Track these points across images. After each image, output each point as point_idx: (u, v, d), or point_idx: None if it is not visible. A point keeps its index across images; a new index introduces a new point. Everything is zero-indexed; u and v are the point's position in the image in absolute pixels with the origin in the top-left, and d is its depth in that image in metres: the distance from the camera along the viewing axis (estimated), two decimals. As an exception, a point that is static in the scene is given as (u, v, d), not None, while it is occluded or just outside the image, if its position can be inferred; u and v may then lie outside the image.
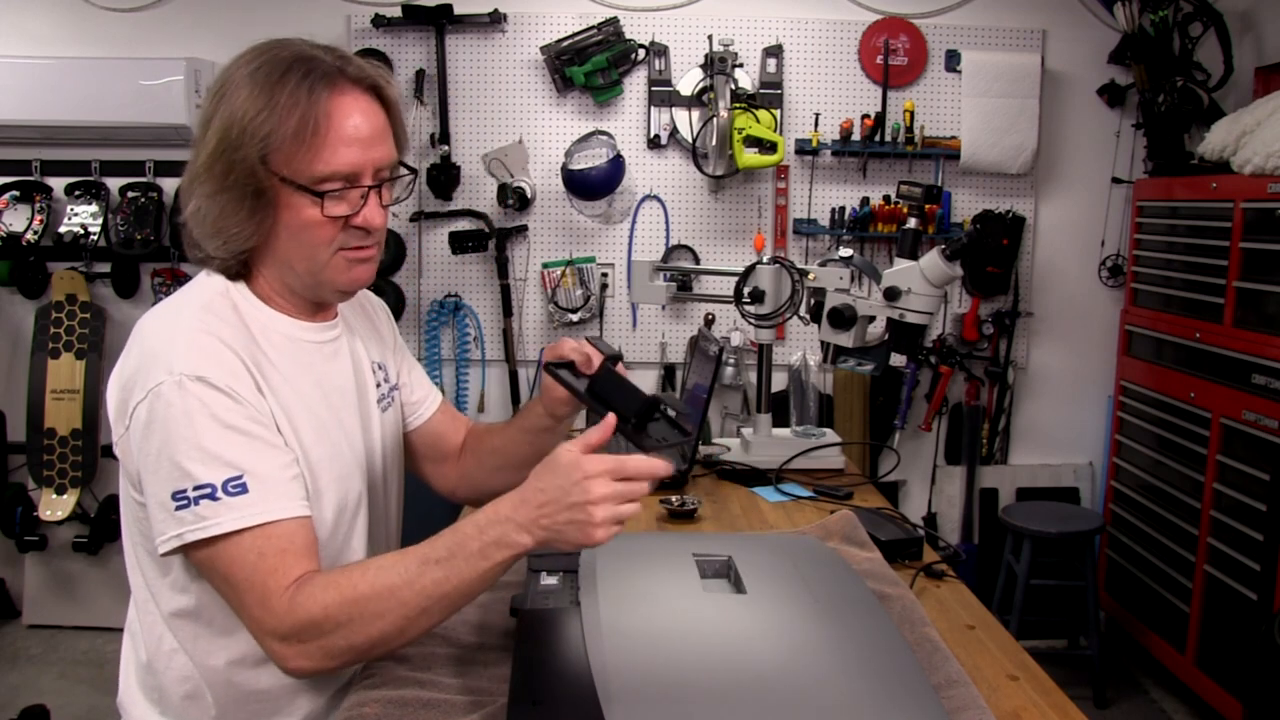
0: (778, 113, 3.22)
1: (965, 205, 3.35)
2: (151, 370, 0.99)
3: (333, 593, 0.98)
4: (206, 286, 1.10)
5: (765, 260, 2.11)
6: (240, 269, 1.10)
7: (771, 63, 3.26)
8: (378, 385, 1.26)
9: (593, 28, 3.22)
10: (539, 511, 0.98)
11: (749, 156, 3.08)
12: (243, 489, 0.97)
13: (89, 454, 3.24)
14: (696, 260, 3.35)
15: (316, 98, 1.03)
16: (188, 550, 0.99)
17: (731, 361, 3.33)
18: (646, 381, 3.44)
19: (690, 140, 3.23)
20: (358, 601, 0.97)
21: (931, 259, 1.94)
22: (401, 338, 1.37)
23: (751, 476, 2.07)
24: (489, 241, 3.29)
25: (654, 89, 3.27)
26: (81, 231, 3.24)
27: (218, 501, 0.96)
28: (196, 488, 0.96)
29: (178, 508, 0.97)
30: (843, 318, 2.01)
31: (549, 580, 1.23)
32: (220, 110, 1.04)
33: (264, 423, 1.03)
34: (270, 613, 0.97)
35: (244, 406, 1.01)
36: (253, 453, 1.00)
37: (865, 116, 3.26)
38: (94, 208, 3.27)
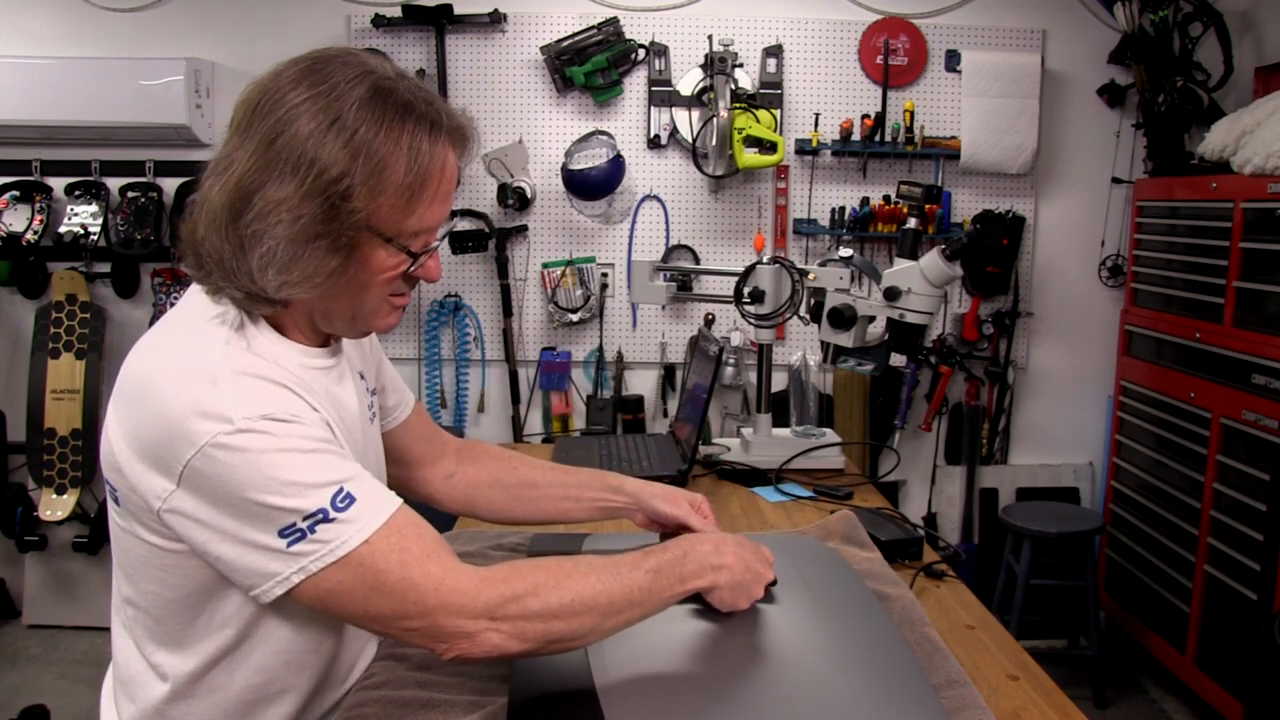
0: (778, 113, 3.22)
1: (965, 205, 3.35)
2: (200, 424, 0.90)
3: (542, 574, 0.98)
4: (218, 320, 1.00)
5: (765, 260, 2.11)
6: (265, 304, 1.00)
7: (771, 63, 3.26)
8: (368, 393, 1.23)
9: (593, 28, 3.22)
10: (733, 556, 1.11)
11: (749, 156, 3.08)
12: (350, 499, 0.93)
13: (89, 454, 3.24)
14: (696, 260, 3.35)
15: (430, 151, 0.97)
16: (305, 586, 0.93)
17: (731, 361, 3.33)
18: (647, 382, 3.44)
19: (690, 140, 3.23)
20: (568, 587, 0.97)
21: (931, 259, 1.94)
22: (377, 338, 1.30)
23: (751, 476, 2.07)
24: (489, 241, 3.29)
25: (654, 89, 3.27)
26: (81, 231, 3.24)
27: (333, 521, 0.92)
28: (306, 516, 0.91)
29: (291, 543, 0.91)
30: (843, 318, 2.01)
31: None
32: (319, 135, 0.92)
33: (332, 439, 1.00)
34: (456, 593, 0.94)
35: (312, 428, 0.97)
36: (342, 464, 0.96)
37: (865, 116, 3.26)
38: (94, 208, 3.27)
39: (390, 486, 1.03)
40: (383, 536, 0.94)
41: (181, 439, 0.91)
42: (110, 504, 1.03)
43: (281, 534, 0.91)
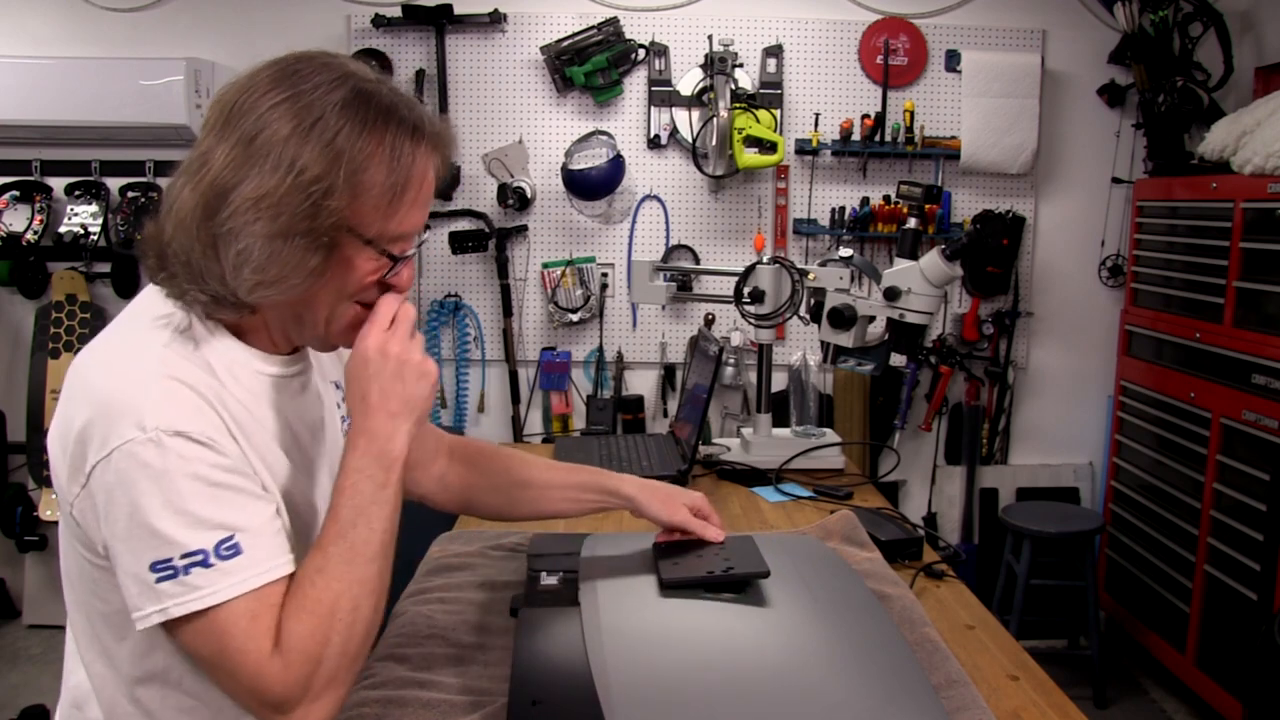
0: (778, 113, 3.22)
1: (965, 205, 3.35)
2: (115, 425, 0.86)
3: (306, 620, 0.90)
4: (163, 321, 0.96)
5: (765, 260, 2.11)
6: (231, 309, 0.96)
7: (771, 63, 3.26)
8: (338, 405, 1.16)
9: (593, 28, 3.22)
10: (384, 404, 0.98)
11: (749, 156, 3.08)
12: (236, 550, 0.87)
13: (89, 454, 3.24)
14: (696, 260, 3.35)
15: (413, 153, 0.95)
16: (167, 628, 0.88)
17: (731, 361, 3.33)
18: (647, 382, 3.44)
19: (690, 140, 3.23)
20: (332, 612, 0.90)
21: (931, 259, 1.94)
22: None
23: (751, 476, 2.07)
24: (489, 241, 3.29)
25: (654, 89, 3.27)
26: (81, 231, 3.24)
27: (211, 568, 0.86)
28: (185, 555, 0.85)
29: (159, 579, 0.85)
30: (843, 318, 2.01)
31: (549, 580, 1.23)
32: (299, 136, 0.89)
33: (246, 473, 0.93)
34: (271, 677, 0.88)
35: (226, 458, 0.90)
36: (242, 509, 0.90)
37: (865, 116, 3.26)
38: (94, 208, 3.27)
39: None
40: (248, 599, 0.88)
41: (94, 440, 0.87)
42: (63, 530, 0.99)
43: (153, 567, 0.86)
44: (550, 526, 1.62)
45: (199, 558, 0.86)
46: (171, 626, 0.88)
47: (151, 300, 0.98)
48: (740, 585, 1.18)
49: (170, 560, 0.86)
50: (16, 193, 3.28)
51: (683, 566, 1.22)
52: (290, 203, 0.89)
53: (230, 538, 0.88)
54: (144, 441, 0.86)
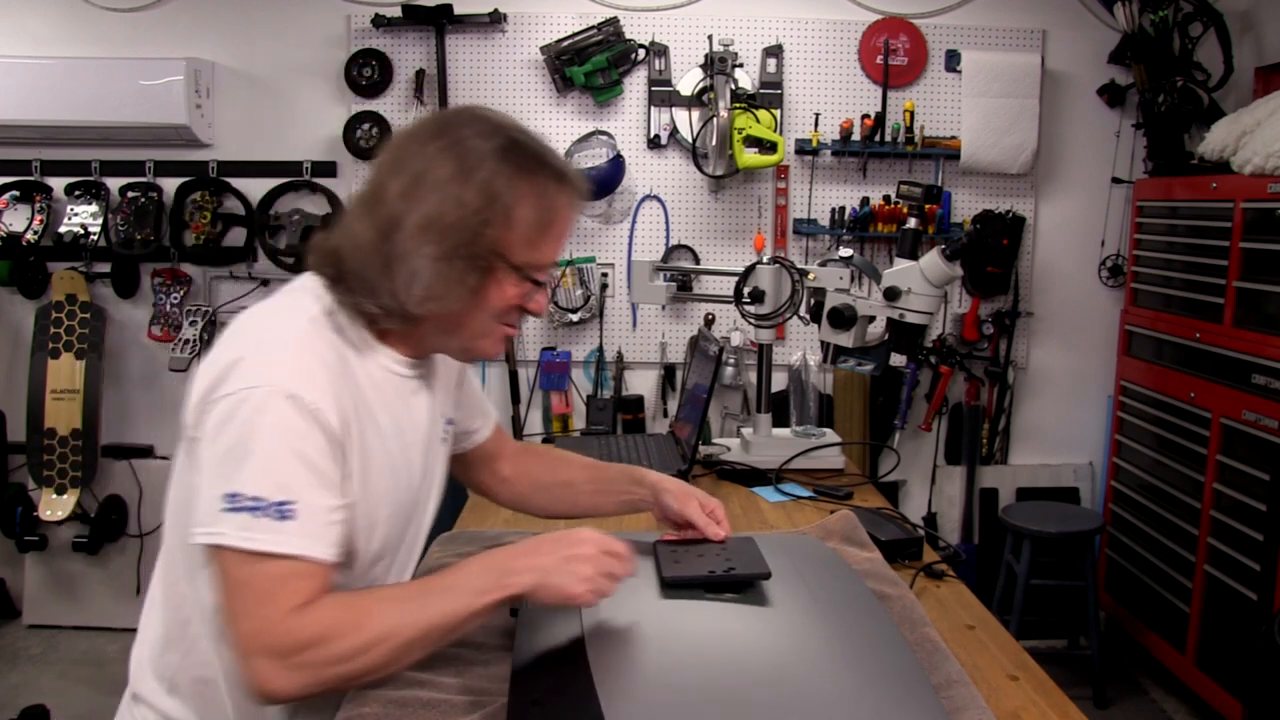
0: (778, 113, 3.22)
1: (965, 205, 3.35)
2: (250, 371, 1.01)
3: (339, 613, 0.99)
4: (311, 300, 1.10)
5: (765, 260, 2.11)
6: (398, 319, 1.10)
7: (771, 63, 3.26)
8: (442, 418, 1.28)
9: (593, 28, 3.23)
10: (535, 554, 1.07)
11: (749, 156, 3.08)
12: (290, 515, 0.98)
13: (89, 454, 3.24)
14: (696, 260, 3.35)
15: (558, 194, 1.10)
16: (214, 549, 1.00)
17: (731, 361, 3.33)
18: (647, 382, 3.44)
19: (690, 140, 3.23)
20: (362, 627, 0.99)
21: (931, 259, 1.94)
22: (470, 374, 1.40)
23: (751, 476, 2.07)
24: (489, 241, 3.29)
25: (654, 89, 3.27)
26: (81, 231, 3.24)
27: (264, 520, 0.97)
28: (252, 498, 0.97)
29: (227, 509, 0.97)
30: (843, 318, 2.01)
31: (549, 580, 1.23)
32: (461, 177, 1.04)
33: (333, 459, 1.04)
34: (272, 626, 0.97)
35: (321, 436, 1.02)
36: (310, 486, 1.01)
37: (865, 116, 3.26)
38: (94, 208, 3.27)
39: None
40: (282, 562, 0.98)
41: (231, 379, 1.01)
42: (181, 459, 1.10)
43: (227, 496, 0.97)
44: (552, 526, 1.62)
45: (260, 505, 0.97)
46: (214, 552, 0.99)
47: (312, 282, 1.12)
48: (741, 586, 1.19)
49: (240, 495, 0.97)
50: (16, 193, 3.28)
51: (684, 565, 1.23)
52: (454, 230, 1.05)
53: (291, 503, 0.98)
54: (263, 393, 0.99)
